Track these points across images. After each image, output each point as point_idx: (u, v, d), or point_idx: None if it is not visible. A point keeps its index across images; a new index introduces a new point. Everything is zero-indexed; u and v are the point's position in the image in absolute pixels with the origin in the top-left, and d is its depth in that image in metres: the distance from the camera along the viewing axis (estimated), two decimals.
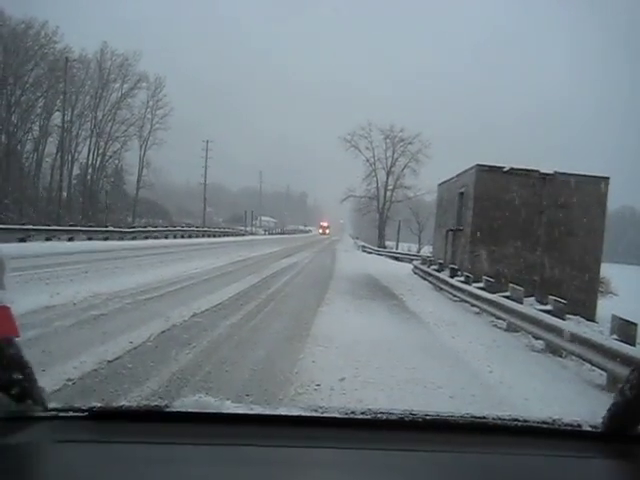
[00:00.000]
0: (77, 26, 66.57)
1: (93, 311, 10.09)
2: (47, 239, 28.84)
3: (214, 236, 56.54)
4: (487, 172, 23.15)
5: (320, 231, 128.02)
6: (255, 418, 1.73)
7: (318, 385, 6.66)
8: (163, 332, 9.02)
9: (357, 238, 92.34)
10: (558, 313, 12.19)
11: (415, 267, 29.35)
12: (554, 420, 1.78)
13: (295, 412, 1.77)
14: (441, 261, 25.94)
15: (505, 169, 22.94)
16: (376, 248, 60.07)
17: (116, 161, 58.01)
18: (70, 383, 6.02)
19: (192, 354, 7.84)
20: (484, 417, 1.75)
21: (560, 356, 10.41)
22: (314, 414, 1.73)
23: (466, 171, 24.87)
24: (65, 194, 51.21)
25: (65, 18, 69.80)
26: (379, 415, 1.72)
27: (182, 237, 47.30)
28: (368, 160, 71.29)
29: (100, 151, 55.51)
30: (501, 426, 1.74)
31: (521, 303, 13.52)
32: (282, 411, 1.79)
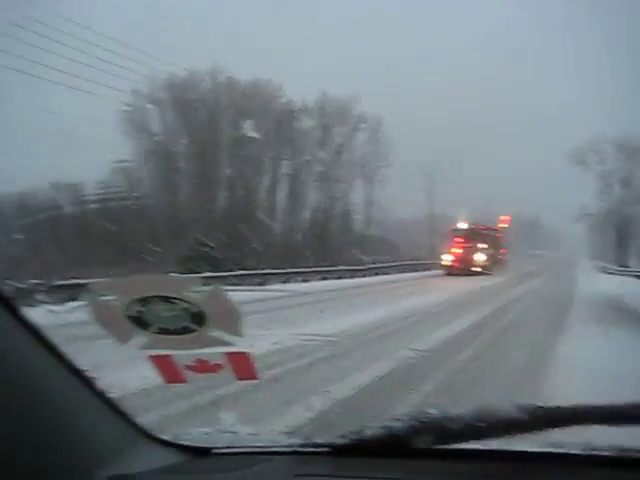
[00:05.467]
0: (297, 80, 70.65)
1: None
2: (283, 282, 30.44)
3: None
4: None
5: (450, 258, 44.91)
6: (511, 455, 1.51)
7: None
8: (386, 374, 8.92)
9: (595, 259, 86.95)
10: None
11: None
12: None
13: (524, 448, 1.52)
14: None
15: None
16: (618, 268, 55.72)
17: (343, 202, 60.10)
18: None
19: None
20: None
21: None
22: (550, 450, 1.48)
23: None
24: (299, 237, 54.11)
25: (285, 73, 74.44)
26: (629, 453, 1.39)
27: (411, 271, 47.66)
28: (601, 175, 66.73)
29: (327, 194, 57.94)
30: None
31: None
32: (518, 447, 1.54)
